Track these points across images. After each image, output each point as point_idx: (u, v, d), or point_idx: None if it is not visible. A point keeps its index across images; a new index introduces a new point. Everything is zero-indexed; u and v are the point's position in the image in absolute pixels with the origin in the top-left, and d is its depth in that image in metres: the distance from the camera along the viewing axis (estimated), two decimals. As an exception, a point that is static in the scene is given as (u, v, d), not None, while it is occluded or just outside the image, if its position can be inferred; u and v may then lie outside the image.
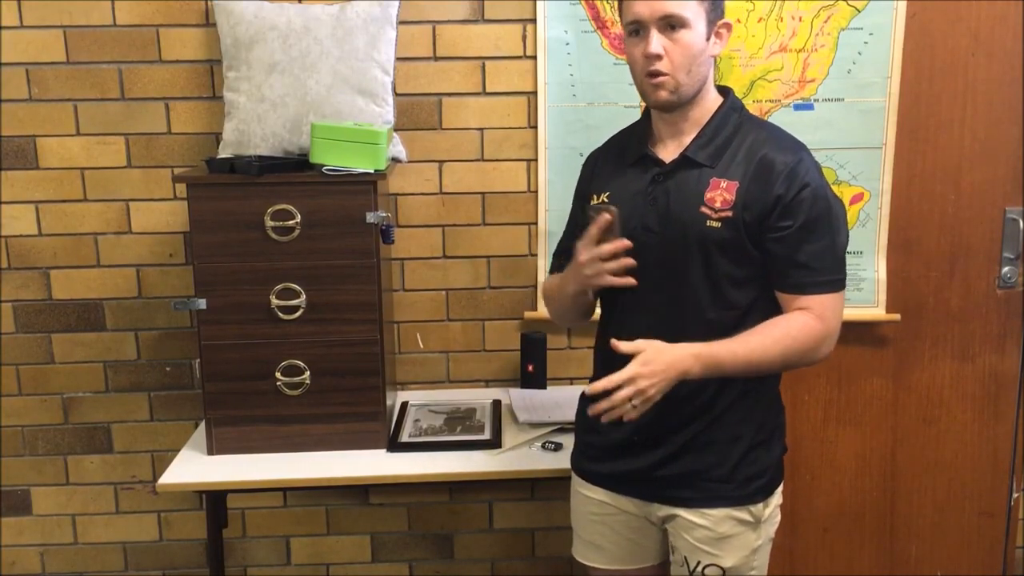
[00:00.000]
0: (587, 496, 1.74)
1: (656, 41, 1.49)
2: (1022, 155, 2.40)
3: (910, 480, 2.56)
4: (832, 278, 1.53)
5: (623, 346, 1.46)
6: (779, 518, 1.68)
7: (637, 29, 1.51)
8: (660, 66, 1.50)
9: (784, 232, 1.50)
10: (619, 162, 1.66)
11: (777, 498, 1.65)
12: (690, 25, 1.48)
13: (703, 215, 1.52)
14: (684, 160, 1.56)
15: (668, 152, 1.59)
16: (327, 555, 2.58)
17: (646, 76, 1.52)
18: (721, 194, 1.52)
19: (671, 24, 1.48)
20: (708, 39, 1.51)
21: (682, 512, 1.62)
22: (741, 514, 1.59)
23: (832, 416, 2.52)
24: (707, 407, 1.58)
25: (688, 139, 1.57)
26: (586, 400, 1.76)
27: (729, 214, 1.51)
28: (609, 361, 1.66)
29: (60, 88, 2.26)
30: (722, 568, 1.60)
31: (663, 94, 1.52)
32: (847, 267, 1.58)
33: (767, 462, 1.62)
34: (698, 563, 1.61)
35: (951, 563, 2.60)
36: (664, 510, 1.64)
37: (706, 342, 1.48)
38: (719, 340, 1.48)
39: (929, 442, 2.55)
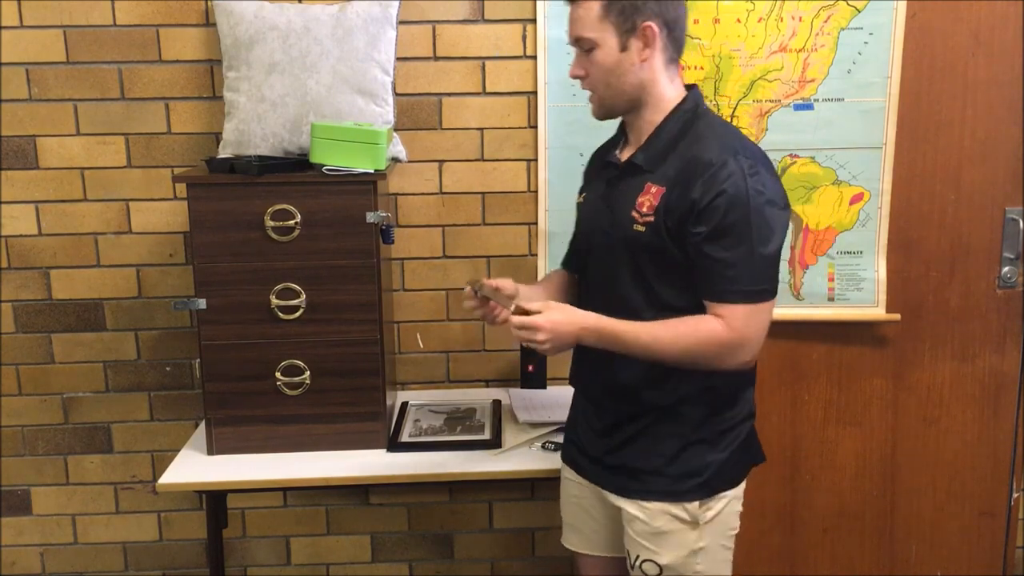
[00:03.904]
0: (567, 479, 1.82)
1: (575, 63, 1.59)
2: (1022, 155, 2.40)
3: (910, 480, 2.56)
4: (746, 288, 1.50)
5: (531, 306, 1.54)
6: (735, 525, 1.66)
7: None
8: (583, 85, 1.61)
9: (697, 237, 1.49)
10: (599, 163, 1.73)
11: (724, 504, 1.62)
12: (598, 44, 1.54)
13: (632, 219, 1.56)
14: (629, 165, 1.61)
15: (628, 154, 1.64)
16: (327, 555, 2.58)
17: None
18: (648, 199, 1.54)
19: (582, 46, 1.56)
20: (625, 49, 1.53)
21: (624, 503, 1.65)
22: (676, 511, 1.60)
23: (832, 416, 2.52)
24: (657, 401, 1.60)
25: (644, 141, 1.61)
26: (577, 396, 1.80)
27: (651, 219, 1.53)
28: (581, 351, 1.69)
29: (60, 88, 2.26)
30: (659, 565, 1.62)
31: (593, 108, 1.63)
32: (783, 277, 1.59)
33: (707, 462, 1.60)
34: (637, 557, 1.64)
35: (951, 563, 2.60)
36: (614, 499, 1.68)
37: (615, 319, 1.53)
38: (630, 320, 1.53)
39: (929, 442, 2.55)
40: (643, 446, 1.62)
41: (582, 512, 1.80)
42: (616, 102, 1.59)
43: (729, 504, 1.63)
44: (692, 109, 1.58)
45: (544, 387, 2.40)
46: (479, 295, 1.65)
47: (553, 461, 1.98)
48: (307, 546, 2.58)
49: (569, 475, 1.81)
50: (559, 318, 1.53)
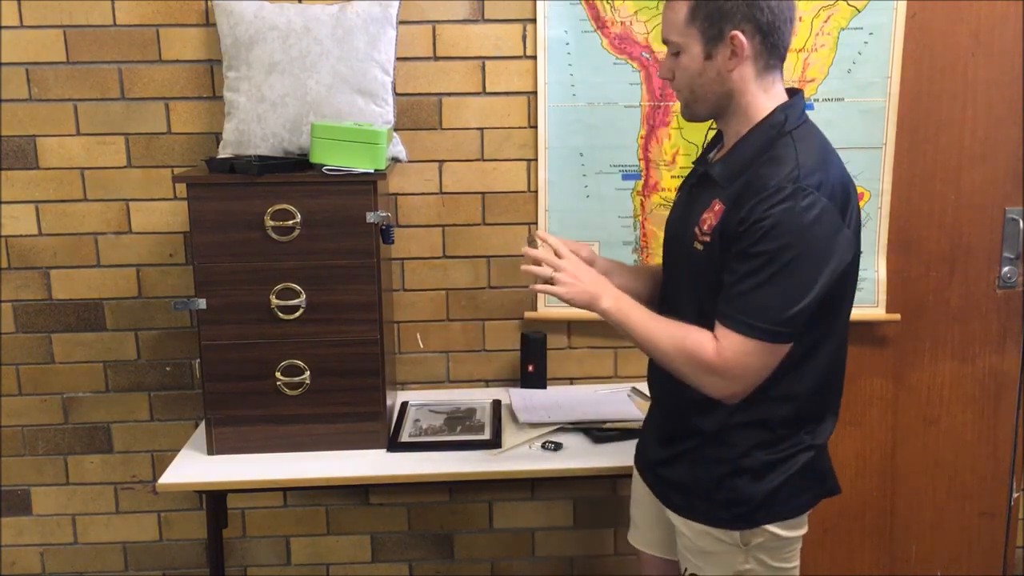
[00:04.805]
0: (635, 477, 1.82)
1: (663, 64, 1.55)
2: (1022, 155, 2.40)
3: (910, 480, 2.56)
4: (747, 320, 1.39)
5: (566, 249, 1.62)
6: (791, 552, 1.58)
7: None
8: (671, 86, 1.56)
9: (732, 253, 1.42)
10: (695, 164, 1.68)
11: (771, 534, 1.54)
12: (683, 49, 1.48)
13: (694, 235, 1.51)
14: (705, 175, 1.55)
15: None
16: (327, 555, 2.58)
17: None
18: (711, 217, 1.47)
19: (669, 49, 1.52)
20: (710, 57, 1.45)
21: (672, 516, 1.64)
22: (719, 535, 1.56)
23: (832, 416, 2.53)
24: (703, 427, 1.55)
25: (727, 151, 1.55)
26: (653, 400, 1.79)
27: (708, 239, 1.47)
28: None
29: (60, 88, 2.26)
30: None
31: (681, 110, 1.57)
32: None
33: (750, 493, 1.52)
34: (685, 569, 1.64)
35: (951, 563, 2.60)
36: (665, 509, 1.67)
37: (632, 300, 1.54)
38: (641, 307, 1.54)
39: (929, 442, 2.55)
40: (691, 466, 1.58)
41: (644, 511, 1.80)
42: (700, 109, 1.53)
43: (781, 533, 1.54)
44: (779, 124, 1.46)
45: (544, 387, 2.40)
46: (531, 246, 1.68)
47: (553, 461, 1.98)
48: (307, 546, 2.58)
49: (636, 473, 1.81)
50: (584, 269, 1.55)
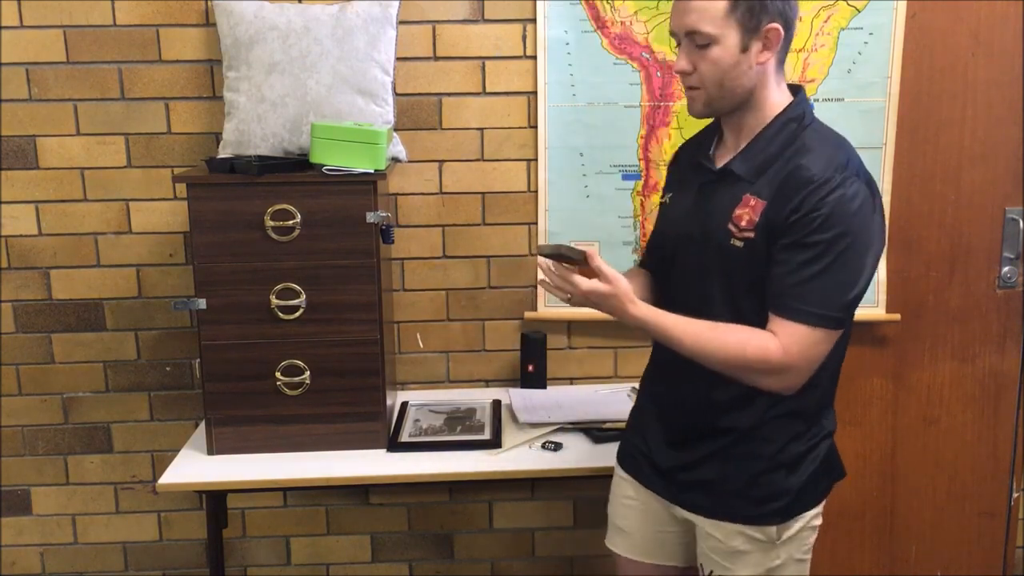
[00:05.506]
0: (622, 480, 1.77)
1: (684, 56, 1.48)
2: (1022, 155, 2.40)
3: (910, 480, 2.56)
4: (811, 310, 1.41)
5: (597, 263, 1.47)
6: (812, 538, 1.61)
7: (677, 40, 1.51)
8: (690, 80, 1.50)
9: (778, 247, 1.43)
10: (688, 162, 1.65)
11: (803, 523, 1.57)
12: (717, 40, 1.43)
13: (728, 232, 1.48)
14: (727, 171, 1.52)
15: (724, 158, 1.55)
16: (327, 555, 2.58)
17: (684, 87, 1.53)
18: (748, 213, 1.46)
19: (696, 40, 1.45)
20: (746, 50, 1.44)
21: (698, 519, 1.62)
22: (753, 532, 1.55)
23: (832, 416, 2.53)
24: (740, 423, 1.54)
25: (743, 146, 1.53)
26: (646, 400, 1.75)
27: (751, 235, 1.45)
28: (665, 359, 1.64)
29: (60, 88, 2.26)
30: None
31: (697, 106, 1.52)
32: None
33: (786, 486, 1.54)
34: (711, 572, 1.61)
35: (951, 563, 2.60)
36: (685, 513, 1.64)
37: (661, 311, 1.50)
38: (676, 315, 1.49)
39: (929, 442, 2.55)
40: (722, 466, 1.56)
41: (633, 516, 1.74)
42: (723, 103, 1.50)
43: (808, 522, 1.58)
44: (798, 118, 1.49)
45: (544, 387, 2.40)
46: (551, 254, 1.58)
47: (553, 461, 1.98)
48: (307, 546, 2.58)
49: (624, 476, 1.76)
50: (606, 290, 1.47)
